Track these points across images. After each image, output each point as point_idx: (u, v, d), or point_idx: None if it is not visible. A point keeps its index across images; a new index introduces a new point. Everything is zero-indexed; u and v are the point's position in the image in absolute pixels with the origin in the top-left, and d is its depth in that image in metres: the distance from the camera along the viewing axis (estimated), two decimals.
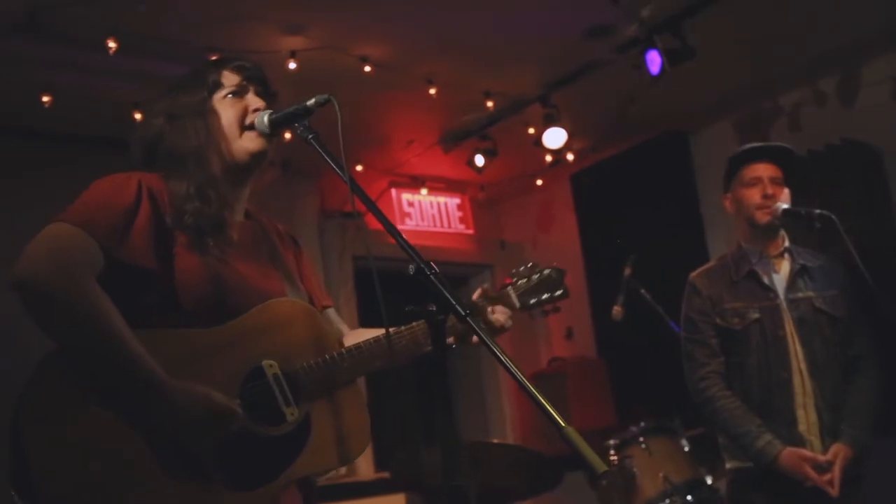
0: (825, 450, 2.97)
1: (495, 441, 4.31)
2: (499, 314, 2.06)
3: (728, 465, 3.20)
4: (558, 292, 2.19)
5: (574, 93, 5.18)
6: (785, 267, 3.16)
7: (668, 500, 3.83)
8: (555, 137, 5.26)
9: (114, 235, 1.75)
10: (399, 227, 6.29)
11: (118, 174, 1.87)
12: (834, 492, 2.89)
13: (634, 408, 5.45)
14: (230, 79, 1.99)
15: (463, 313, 1.59)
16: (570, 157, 5.85)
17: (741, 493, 3.15)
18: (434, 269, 1.68)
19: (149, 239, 1.80)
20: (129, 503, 1.65)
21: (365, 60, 4.48)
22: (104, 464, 1.64)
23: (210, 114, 1.94)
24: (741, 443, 3.04)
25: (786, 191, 3.15)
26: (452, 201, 6.92)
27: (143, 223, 1.80)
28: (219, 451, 1.73)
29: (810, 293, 3.10)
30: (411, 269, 1.69)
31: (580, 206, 6.72)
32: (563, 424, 1.41)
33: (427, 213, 6.74)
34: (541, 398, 1.44)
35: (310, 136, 1.87)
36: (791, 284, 3.12)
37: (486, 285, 2.15)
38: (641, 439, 4.01)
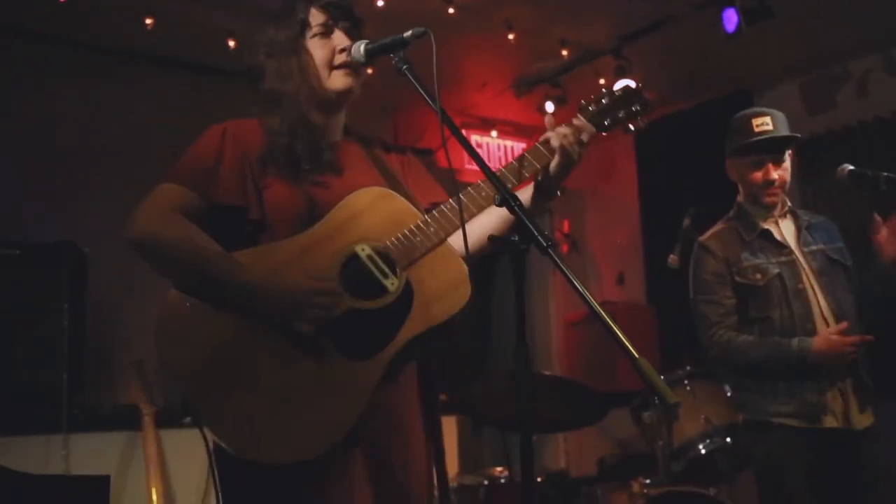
0: (856, 395, 2.94)
1: (546, 373, 4.32)
2: (553, 138, 1.92)
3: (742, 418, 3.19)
4: (637, 107, 2.01)
5: (647, 47, 5.04)
6: (789, 224, 3.13)
7: (707, 441, 3.82)
8: None
9: (203, 181, 1.88)
10: (466, 166, 6.29)
11: (210, 129, 1.98)
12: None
13: (679, 354, 5.41)
14: (317, 17, 2.00)
15: (545, 244, 1.58)
16: None
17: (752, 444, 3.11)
18: (518, 200, 1.68)
19: (235, 178, 1.90)
20: (258, 387, 1.76)
21: (449, 2, 4.42)
22: (233, 365, 1.78)
23: (303, 52, 1.98)
24: (778, 358, 2.93)
25: (783, 167, 3.08)
26: (519, 145, 6.84)
27: (227, 165, 1.91)
28: (332, 330, 1.78)
29: (822, 245, 3.08)
30: (496, 199, 1.69)
31: (641, 157, 6.60)
32: (636, 355, 1.40)
33: (494, 155, 6.68)
34: (616, 329, 1.43)
35: (404, 67, 1.86)
36: (801, 238, 3.09)
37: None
38: (686, 382, 4.00)
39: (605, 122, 2.01)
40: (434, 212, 1.92)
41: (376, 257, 1.84)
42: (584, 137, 1.94)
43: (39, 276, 4.07)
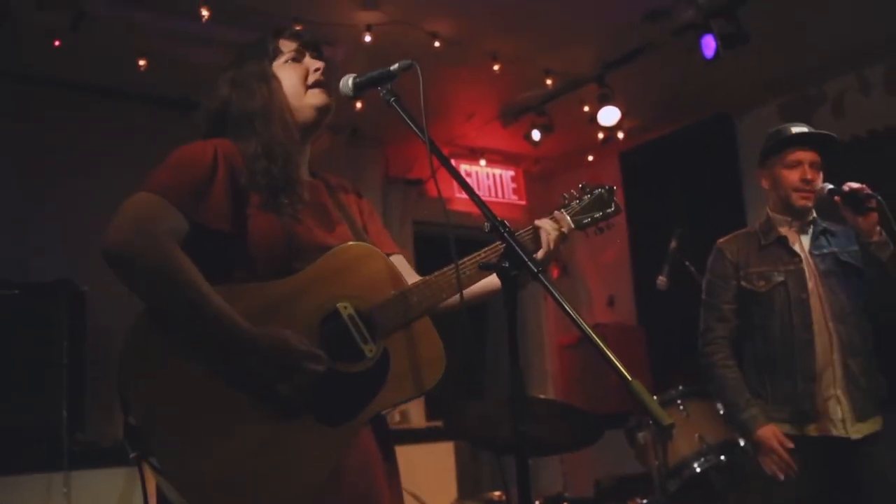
0: (851, 403, 2.94)
1: (541, 396, 4.30)
2: (542, 233, 2.05)
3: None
4: (610, 209, 2.18)
5: (629, 74, 5.10)
6: (809, 231, 3.16)
7: (702, 459, 3.81)
8: (609, 115, 5.19)
9: (192, 200, 1.73)
10: (456, 195, 6.31)
11: (196, 143, 1.86)
12: (780, 476, 2.94)
13: (670, 374, 5.41)
14: (287, 46, 2.00)
15: (535, 270, 1.58)
16: (620, 135, 5.78)
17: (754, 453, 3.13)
18: (507, 227, 1.68)
19: (225, 202, 1.78)
20: (225, 439, 1.63)
21: (435, 36, 4.46)
22: (200, 407, 1.64)
23: (272, 79, 1.95)
24: (730, 412, 3.11)
25: (820, 174, 3.12)
26: (507, 173, 6.89)
27: (219, 187, 1.78)
28: (307, 391, 1.71)
29: (834, 249, 3.11)
30: (486, 226, 1.69)
31: (627, 182, 6.64)
32: (629, 378, 1.39)
33: (483, 183, 6.73)
34: (609, 353, 1.42)
35: (392, 100, 1.86)
36: (815, 242, 3.12)
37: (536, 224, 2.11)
38: (679, 401, 3.99)
39: (584, 222, 2.17)
40: (420, 282, 1.90)
41: (357, 319, 1.80)
42: (566, 230, 2.10)
43: (39, 314, 4.05)
